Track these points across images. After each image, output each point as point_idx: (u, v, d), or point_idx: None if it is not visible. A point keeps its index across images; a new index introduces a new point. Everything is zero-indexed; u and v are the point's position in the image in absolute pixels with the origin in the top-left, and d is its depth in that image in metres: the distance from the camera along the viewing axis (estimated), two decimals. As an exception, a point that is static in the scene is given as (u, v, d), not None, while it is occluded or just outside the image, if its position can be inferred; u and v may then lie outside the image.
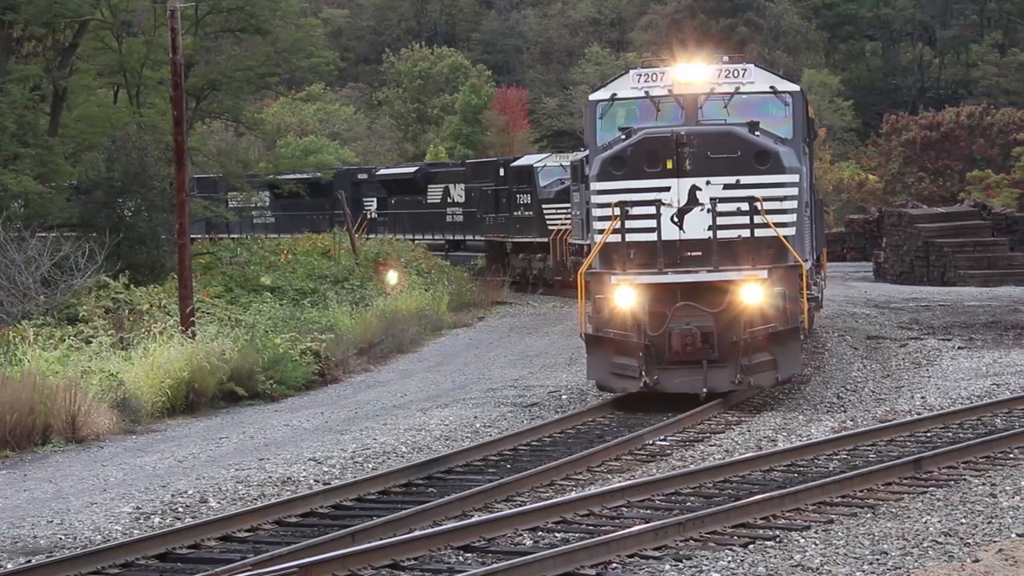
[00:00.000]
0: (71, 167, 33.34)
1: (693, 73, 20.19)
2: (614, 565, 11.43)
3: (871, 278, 44.30)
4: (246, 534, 13.01)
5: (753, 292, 18.93)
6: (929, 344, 25.77)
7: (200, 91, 36.78)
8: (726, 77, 20.16)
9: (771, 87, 20.32)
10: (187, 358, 21.91)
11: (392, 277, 36.69)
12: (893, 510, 13.03)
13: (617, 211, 19.15)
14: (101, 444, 19.08)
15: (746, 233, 19.03)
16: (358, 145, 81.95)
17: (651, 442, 17.12)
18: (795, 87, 20.68)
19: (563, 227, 38.65)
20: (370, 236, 47.45)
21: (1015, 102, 72.85)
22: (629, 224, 19.16)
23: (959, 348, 25.09)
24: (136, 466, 17.01)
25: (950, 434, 16.98)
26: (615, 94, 20.33)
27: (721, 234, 19.02)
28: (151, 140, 32.71)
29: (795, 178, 19.63)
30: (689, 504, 13.64)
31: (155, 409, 21.14)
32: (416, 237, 49.48)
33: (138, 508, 14.23)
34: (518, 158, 47.24)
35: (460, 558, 11.89)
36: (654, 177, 19.14)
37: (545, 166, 42.26)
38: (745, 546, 11.90)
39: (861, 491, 13.74)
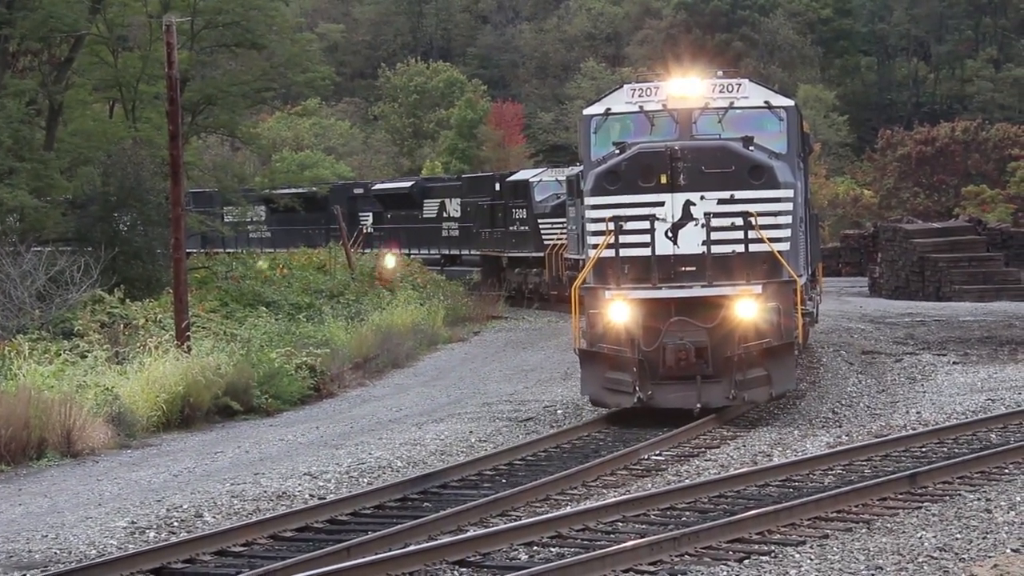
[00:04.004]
0: (67, 181, 33.34)
1: (687, 88, 20.18)
2: (609, 580, 11.44)
3: (866, 293, 44.33)
4: (241, 549, 12.99)
5: (747, 307, 18.92)
6: (924, 359, 25.78)
7: (196, 106, 36.83)
8: (720, 92, 20.13)
9: (765, 102, 20.30)
10: (182, 372, 21.90)
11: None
12: (888, 525, 13.03)
13: (611, 226, 19.13)
14: (96, 458, 19.06)
15: (740, 248, 19.01)
16: (354, 160, 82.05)
17: (646, 457, 17.11)
18: (790, 102, 20.70)
19: (559, 242, 38.68)
20: (366, 251, 47.49)
21: (1010, 117, 73.04)
22: (623, 239, 19.14)
23: (954, 363, 25.08)
24: (131, 480, 17.00)
25: (945, 449, 16.98)
26: (609, 109, 20.31)
27: (715, 249, 18.99)
28: (147, 154, 32.74)
29: (789, 193, 19.64)
30: (684, 519, 13.62)
31: (150, 423, 21.14)
32: (412, 252, 49.53)
33: (133, 523, 14.21)
34: (514, 173, 47.31)
35: (455, 573, 11.88)
36: (648, 192, 19.12)
37: (541, 181, 42.31)
38: (740, 561, 11.91)
39: (856, 506, 13.74)
